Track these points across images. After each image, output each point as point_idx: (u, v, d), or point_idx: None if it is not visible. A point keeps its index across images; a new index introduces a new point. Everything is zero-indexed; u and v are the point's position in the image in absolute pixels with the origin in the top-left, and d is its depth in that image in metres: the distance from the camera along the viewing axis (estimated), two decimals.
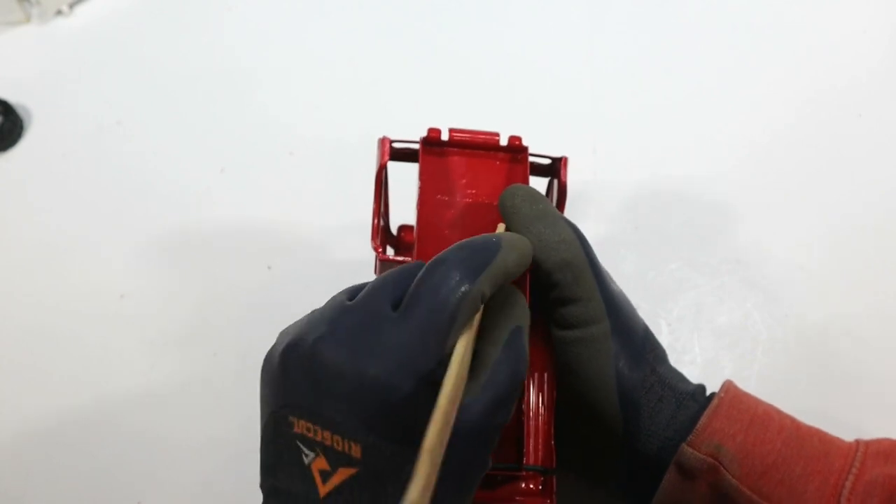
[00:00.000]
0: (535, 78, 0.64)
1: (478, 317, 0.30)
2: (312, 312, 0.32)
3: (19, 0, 0.65)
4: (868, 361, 0.53)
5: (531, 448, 0.36)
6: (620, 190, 0.59)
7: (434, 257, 0.30)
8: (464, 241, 0.31)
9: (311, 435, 0.28)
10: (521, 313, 0.32)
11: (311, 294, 0.55)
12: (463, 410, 0.28)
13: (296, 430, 0.29)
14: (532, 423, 0.36)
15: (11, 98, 0.61)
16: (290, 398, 0.29)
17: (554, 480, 0.36)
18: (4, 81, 0.63)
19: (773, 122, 0.62)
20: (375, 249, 0.40)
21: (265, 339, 0.53)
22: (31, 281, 0.56)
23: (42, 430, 0.52)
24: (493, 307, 0.32)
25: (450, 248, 0.30)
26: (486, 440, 0.30)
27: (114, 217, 0.58)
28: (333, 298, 0.32)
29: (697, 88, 0.64)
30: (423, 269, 0.30)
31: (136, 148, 0.61)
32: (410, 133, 0.61)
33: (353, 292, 0.32)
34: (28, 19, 0.66)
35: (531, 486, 0.36)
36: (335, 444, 0.28)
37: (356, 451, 0.28)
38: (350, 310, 0.30)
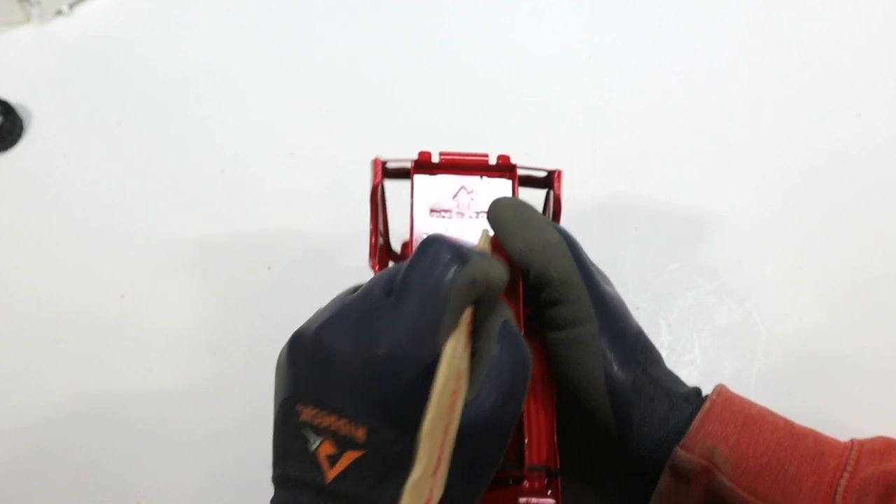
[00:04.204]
0: (536, 76, 0.64)
1: (468, 314, 0.30)
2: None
3: (19, 0, 0.65)
4: (868, 362, 0.53)
5: (534, 448, 0.36)
6: (620, 190, 0.59)
7: (426, 237, 0.30)
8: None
9: (317, 421, 0.29)
10: (503, 309, 0.32)
11: (311, 294, 0.56)
12: (470, 407, 0.29)
13: (303, 417, 0.29)
14: (533, 423, 0.37)
15: (11, 98, 0.61)
16: (296, 387, 0.30)
17: (559, 481, 0.36)
18: (4, 81, 0.63)
19: (773, 121, 0.62)
20: (373, 268, 0.40)
21: (265, 339, 0.54)
22: (31, 281, 0.56)
23: (42, 430, 0.52)
24: (478, 313, 0.32)
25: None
26: (498, 434, 0.30)
27: (114, 217, 0.58)
28: (338, 294, 0.33)
29: (697, 88, 0.63)
30: (416, 249, 0.30)
31: (136, 148, 0.61)
32: (411, 132, 0.61)
33: (357, 287, 0.33)
34: (28, 19, 0.66)
35: (535, 486, 0.36)
36: (340, 429, 0.28)
37: (361, 434, 0.28)
38: (351, 300, 0.31)
